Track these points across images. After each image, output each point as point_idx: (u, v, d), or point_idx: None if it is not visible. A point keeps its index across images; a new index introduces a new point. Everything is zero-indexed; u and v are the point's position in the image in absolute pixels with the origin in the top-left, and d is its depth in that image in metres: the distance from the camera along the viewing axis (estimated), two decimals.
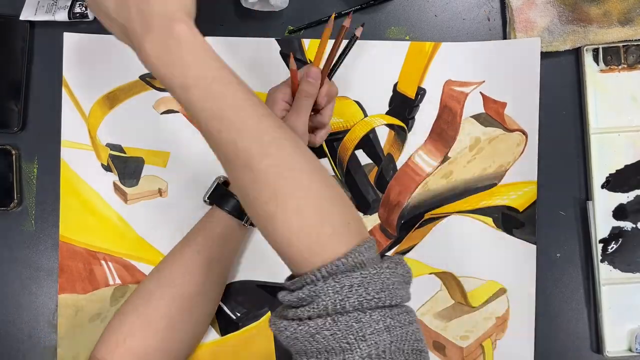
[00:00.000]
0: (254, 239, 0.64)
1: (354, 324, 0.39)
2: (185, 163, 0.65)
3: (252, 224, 0.59)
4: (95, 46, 0.64)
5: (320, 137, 0.60)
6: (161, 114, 0.65)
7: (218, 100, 0.43)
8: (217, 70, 0.44)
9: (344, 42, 0.57)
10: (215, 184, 0.61)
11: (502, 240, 0.64)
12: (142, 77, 0.65)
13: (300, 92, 0.55)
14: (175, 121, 0.65)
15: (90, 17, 0.64)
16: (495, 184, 0.64)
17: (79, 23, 0.65)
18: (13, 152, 0.64)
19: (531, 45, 0.63)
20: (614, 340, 0.64)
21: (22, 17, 0.64)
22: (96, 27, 0.65)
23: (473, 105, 0.64)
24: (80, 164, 0.65)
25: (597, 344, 0.64)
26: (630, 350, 0.64)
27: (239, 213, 0.58)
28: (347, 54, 0.58)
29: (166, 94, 0.65)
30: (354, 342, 0.38)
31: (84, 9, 0.64)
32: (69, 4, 0.64)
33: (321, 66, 0.56)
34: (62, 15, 0.63)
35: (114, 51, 0.64)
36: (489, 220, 0.64)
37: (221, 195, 0.59)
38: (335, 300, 0.39)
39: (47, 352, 0.65)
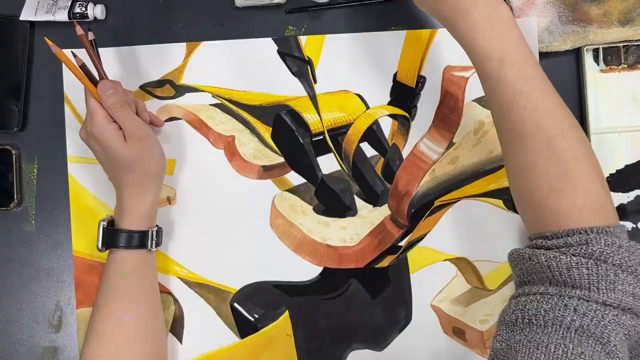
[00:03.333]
0: (266, 240, 0.64)
1: (611, 274, 0.43)
2: (192, 169, 0.65)
3: (157, 244, 0.59)
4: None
5: (144, 111, 0.60)
6: (164, 121, 0.65)
7: (529, 80, 0.48)
8: (528, 54, 0.49)
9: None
10: (101, 228, 0.58)
11: (513, 221, 0.64)
12: (143, 87, 0.65)
13: (109, 108, 0.55)
14: (179, 128, 0.65)
15: (90, 17, 0.64)
16: (503, 166, 0.64)
17: (79, 23, 0.65)
18: (13, 152, 0.64)
19: (528, 25, 0.62)
20: None
21: (22, 17, 0.64)
22: (98, 29, 0.65)
23: (474, 89, 0.64)
24: (88, 178, 0.65)
25: None
26: None
27: (139, 242, 0.57)
28: (98, 55, 0.58)
29: (167, 102, 0.65)
30: (603, 287, 0.43)
31: (84, 9, 0.64)
32: (69, 4, 0.64)
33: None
34: (62, 15, 0.64)
35: (112, 63, 0.65)
36: (499, 202, 0.64)
37: (112, 237, 0.57)
38: (603, 250, 0.43)
39: (47, 352, 0.65)
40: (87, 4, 0.64)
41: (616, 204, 0.64)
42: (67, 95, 0.65)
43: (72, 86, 0.64)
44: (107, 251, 0.58)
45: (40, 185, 0.65)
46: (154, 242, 0.58)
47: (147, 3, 0.66)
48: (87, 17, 0.64)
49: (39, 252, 0.65)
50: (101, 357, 0.55)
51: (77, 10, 0.64)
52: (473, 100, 0.64)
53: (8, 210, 0.65)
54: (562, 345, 0.41)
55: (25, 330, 0.65)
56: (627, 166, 0.64)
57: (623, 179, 0.64)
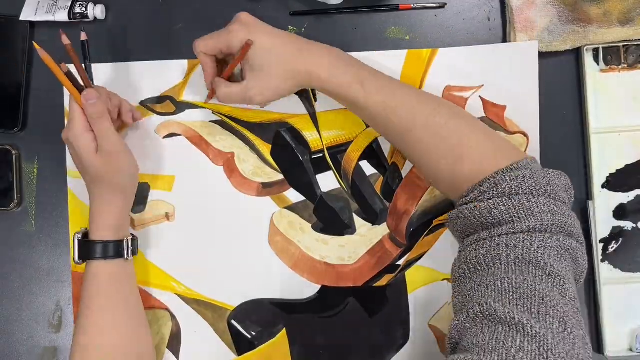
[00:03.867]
0: (264, 257, 0.64)
1: (525, 202, 0.49)
2: (191, 185, 0.65)
3: (134, 252, 0.59)
4: (94, 75, 0.63)
5: (128, 118, 0.61)
6: (164, 138, 0.65)
7: (388, 86, 0.57)
8: (375, 71, 0.58)
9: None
10: (76, 241, 0.58)
11: None
12: (143, 103, 0.65)
13: (89, 116, 0.55)
14: (178, 144, 0.65)
15: (90, 17, 0.64)
16: None
17: (79, 23, 0.65)
18: (13, 152, 0.64)
19: (529, 48, 0.63)
20: (615, 340, 0.64)
21: (22, 17, 0.64)
22: (98, 29, 0.65)
23: (473, 110, 0.64)
24: (88, 195, 0.64)
25: (598, 343, 0.64)
26: (630, 350, 0.64)
27: (115, 251, 0.57)
28: (89, 57, 0.58)
29: (168, 118, 0.65)
30: (523, 215, 0.48)
31: (84, 9, 0.64)
32: (69, 4, 0.64)
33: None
34: (62, 16, 0.64)
35: (113, 79, 0.64)
36: None
37: (87, 249, 0.57)
38: (512, 186, 0.50)
39: (47, 352, 0.65)
40: (87, 4, 0.64)
41: (616, 204, 0.64)
42: (67, 111, 0.64)
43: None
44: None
45: (40, 185, 0.65)
46: (129, 250, 0.58)
47: (147, 3, 0.66)
48: (87, 17, 0.64)
49: (39, 252, 0.65)
50: None
51: (77, 10, 0.64)
52: None
53: (8, 211, 0.65)
54: (506, 279, 0.46)
55: (25, 330, 0.65)
56: (627, 166, 0.64)
57: (623, 179, 0.64)
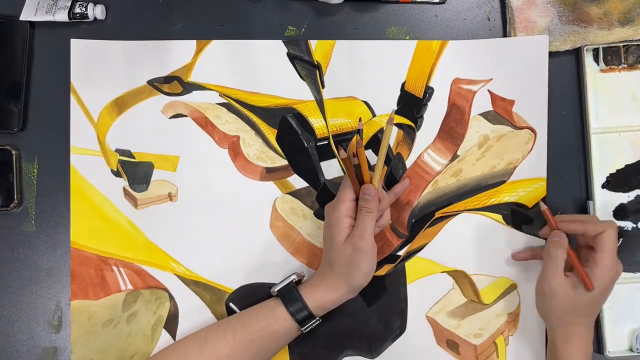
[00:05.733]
0: (265, 242, 0.64)
1: None
2: (195, 167, 0.65)
3: (310, 331, 0.58)
4: (102, 52, 0.64)
5: (380, 227, 0.61)
6: (170, 118, 0.65)
7: None
8: None
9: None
10: (289, 280, 0.59)
11: (512, 236, 0.64)
12: (150, 82, 0.65)
13: (360, 209, 0.56)
14: (184, 125, 0.65)
15: (90, 17, 0.64)
16: (504, 181, 0.64)
17: (79, 23, 0.65)
18: (13, 152, 0.64)
19: (539, 43, 0.63)
20: (615, 340, 0.64)
21: (22, 17, 0.64)
22: (97, 30, 0.65)
23: (481, 103, 0.64)
24: (90, 170, 0.65)
25: (598, 344, 0.64)
26: (631, 350, 0.63)
27: (302, 318, 0.57)
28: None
29: (174, 99, 0.65)
30: None
31: (84, 9, 0.64)
32: (69, 4, 0.64)
33: (376, 182, 0.57)
34: (62, 16, 0.64)
35: (121, 56, 0.65)
36: (499, 217, 0.64)
37: (290, 294, 0.58)
38: None
39: (47, 352, 0.65)
40: (87, 4, 0.64)
41: (616, 204, 0.64)
42: (73, 85, 0.65)
43: (79, 77, 0.64)
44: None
45: (40, 185, 0.65)
46: (308, 328, 0.58)
47: (147, 3, 0.66)
48: (87, 17, 0.64)
49: (39, 252, 0.65)
50: None
51: (77, 10, 0.64)
52: (479, 114, 0.64)
53: (8, 211, 0.65)
54: None
55: (25, 330, 0.65)
56: (627, 166, 0.64)
57: (623, 178, 0.64)
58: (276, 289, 0.59)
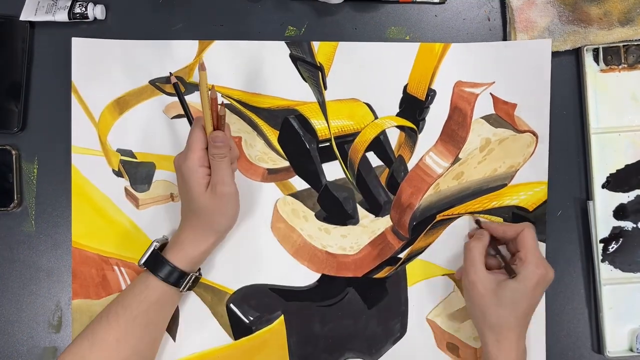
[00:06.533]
0: (266, 243, 0.64)
1: None
2: None
3: (189, 289, 0.59)
4: (104, 51, 0.64)
5: (233, 169, 0.60)
6: (171, 118, 0.65)
7: None
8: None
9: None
10: (151, 249, 0.58)
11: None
12: (152, 82, 0.65)
13: (211, 154, 0.56)
14: (186, 125, 0.64)
15: (90, 17, 0.64)
16: (506, 185, 0.64)
17: (79, 23, 0.65)
18: (13, 152, 0.64)
19: (542, 47, 0.63)
20: (615, 340, 0.64)
21: (22, 17, 0.64)
22: (98, 30, 0.65)
23: (483, 106, 0.64)
24: (91, 170, 0.65)
25: (598, 344, 0.64)
26: (631, 350, 0.63)
27: (176, 280, 0.57)
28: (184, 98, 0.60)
29: (176, 99, 0.65)
30: None
31: (84, 9, 0.64)
32: (69, 4, 0.64)
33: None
34: (62, 16, 0.64)
35: (123, 56, 0.64)
36: (500, 220, 0.64)
37: (156, 262, 0.57)
38: None
39: (47, 352, 0.65)
40: (87, 4, 0.64)
41: (617, 204, 0.64)
42: (74, 84, 0.65)
43: (80, 76, 0.64)
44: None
45: (40, 185, 0.65)
46: (187, 286, 0.58)
47: (147, 3, 0.66)
48: (87, 17, 0.64)
49: (39, 252, 0.65)
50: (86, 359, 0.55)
51: (77, 10, 0.64)
52: (481, 117, 0.64)
53: (8, 211, 0.65)
54: None
55: (25, 330, 0.65)
56: (627, 166, 0.64)
57: (623, 178, 0.64)
58: (142, 262, 0.58)
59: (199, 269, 0.61)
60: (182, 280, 0.57)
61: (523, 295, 0.55)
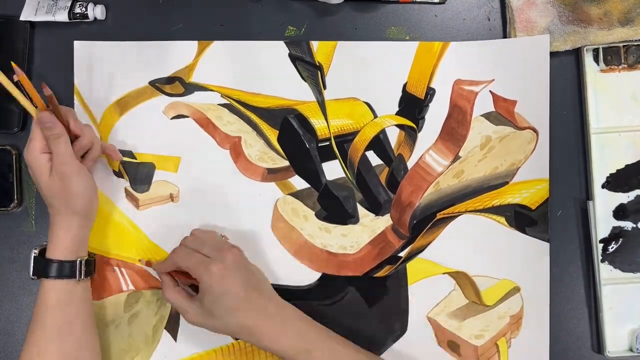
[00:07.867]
0: (266, 242, 0.64)
1: None
2: (196, 168, 0.65)
3: (87, 274, 0.59)
4: (105, 53, 0.64)
5: (92, 160, 0.60)
6: (171, 119, 0.65)
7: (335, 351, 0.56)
8: (327, 337, 0.57)
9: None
10: (32, 256, 0.58)
11: (515, 239, 0.64)
12: (152, 83, 0.65)
13: (48, 139, 0.56)
14: (186, 126, 0.65)
15: (90, 17, 0.64)
16: (507, 182, 0.64)
17: (79, 24, 0.65)
18: (13, 152, 0.64)
19: (540, 43, 0.63)
20: (615, 340, 0.64)
21: (22, 18, 0.64)
22: (98, 30, 0.65)
23: (483, 104, 0.64)
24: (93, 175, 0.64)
25: (598, 344, 0.64)
26: (631, 350, 0.64)
27: (70, 271, 0.57)
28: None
29: (176, 99, 0.65)
30: None
31: (84, 9, 0.64)
32: (69, 4, 0.64)
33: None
34: (62, 16, 0.64)
35: (123, 57, 0.65)
36: (502, 219, 0.64)
37: (42, 266, 0.57)
38: None
39: None
40: (87, 4, 0.64)
41: (616, 204, 0.64)
42: (77, 87, 0.65)
43: (83, 79, 0.65)
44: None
45: None
46: (82, 272, 0.58)
47: (147, 3, 0.66)
48: (87, 17, 0.64)
49: None
50: None
51: (77, 10, 0.64)
52: (481, 115, 0.64)
53: (8, 211, 0.65)
54: None
55: (25, 330, 0.65)
56: (627, 166, 0.64)
57: (623, 178, 0.64)
58: (31, 275, 0.58)
59: (90, 253, 0.61)
60: (74, 269, 0.57)
61: (210, 311, 0.55)
